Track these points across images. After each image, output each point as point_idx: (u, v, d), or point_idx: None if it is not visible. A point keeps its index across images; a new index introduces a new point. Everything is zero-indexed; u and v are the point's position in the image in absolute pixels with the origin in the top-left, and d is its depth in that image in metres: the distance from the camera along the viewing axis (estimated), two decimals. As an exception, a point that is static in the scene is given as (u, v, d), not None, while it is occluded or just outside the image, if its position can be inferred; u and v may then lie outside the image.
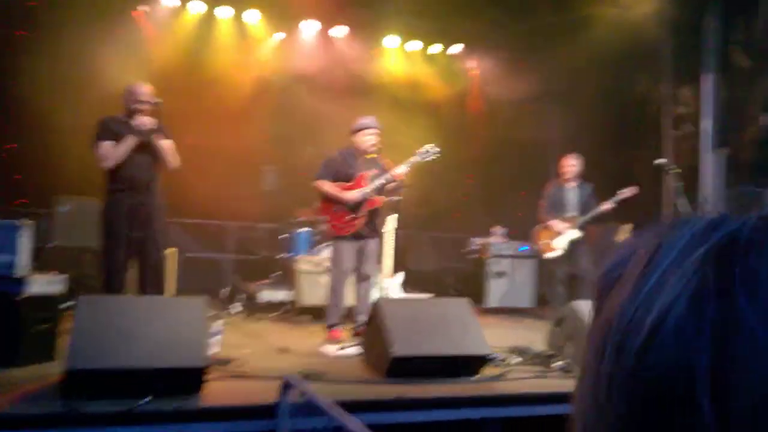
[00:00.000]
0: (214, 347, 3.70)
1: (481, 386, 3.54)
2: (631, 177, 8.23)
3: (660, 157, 8.09)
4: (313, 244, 7.37)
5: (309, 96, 8.03)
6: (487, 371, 3.79)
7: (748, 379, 0.31)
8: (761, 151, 7.47)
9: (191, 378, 2.94)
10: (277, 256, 7.20)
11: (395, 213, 4.87)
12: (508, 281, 7.33)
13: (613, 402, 0.35)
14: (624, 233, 6.89)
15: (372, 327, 3.92)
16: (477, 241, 7.86)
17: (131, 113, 4.52)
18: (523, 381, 3.68)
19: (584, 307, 4.40)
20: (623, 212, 6.77)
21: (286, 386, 2.84)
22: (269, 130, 8.12)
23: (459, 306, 4.06)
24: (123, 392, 2.71)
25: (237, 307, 6.37)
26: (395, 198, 4.86)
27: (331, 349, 4.37)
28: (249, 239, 8.43)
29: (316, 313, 5.99)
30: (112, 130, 4.49)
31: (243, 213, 8.17)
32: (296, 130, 8.17)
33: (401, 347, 3.57)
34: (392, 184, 4.96)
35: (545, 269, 7.55)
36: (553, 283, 6.62)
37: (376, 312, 3.90)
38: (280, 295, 6.61)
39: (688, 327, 0.33)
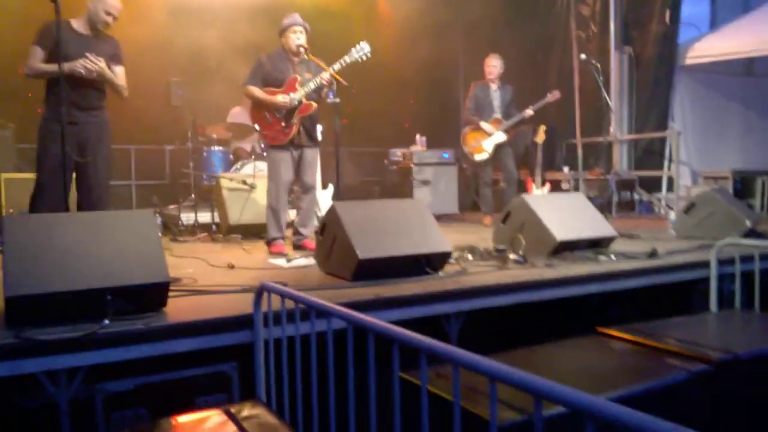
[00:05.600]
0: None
1: (448, 281, 3.49)
2: (544, 78, 8.39)
3: (570, 57, 8.27)
4: (230, 163, 6.97)
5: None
6: (449, 268, 3.76)
7: None
8: (661, 45, 7.80)
9: (155, 295, 2.64)
10: (190, 178, 6.71)
11: (337, 116, 4.57)
12: (432, 189, 7.33)
13: None
14: (541, 134, 7.01)
15: (328, 234, 3.72)
16: (398, 152, 7.74)
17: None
18: (485, 274, 3.68)
19: (531, 199, 4.45)
20: (538, 113, 6.88)
21: (261, 293, 2.64)
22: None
23: (414, 206, 3.94)
24: (75, 316, 2.41)
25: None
26: (333, 100, 4.56)
27: (281, 262, 4.15)
28: (155, 162, 7.82)
29: (245, 232, 5.70)
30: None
31: (147, 134, 7.50)
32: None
33: (365, 250, 3.43)
34: (326, 86, 4.65)
35: (466, 174, 7.63)
36: (482, 185, 6.68)
37: (331, 217, 3.70)
38: (201, 216, 6.22)
39: None
